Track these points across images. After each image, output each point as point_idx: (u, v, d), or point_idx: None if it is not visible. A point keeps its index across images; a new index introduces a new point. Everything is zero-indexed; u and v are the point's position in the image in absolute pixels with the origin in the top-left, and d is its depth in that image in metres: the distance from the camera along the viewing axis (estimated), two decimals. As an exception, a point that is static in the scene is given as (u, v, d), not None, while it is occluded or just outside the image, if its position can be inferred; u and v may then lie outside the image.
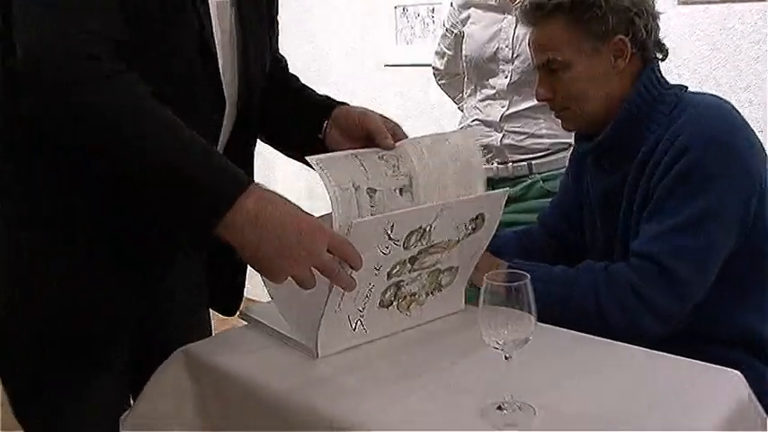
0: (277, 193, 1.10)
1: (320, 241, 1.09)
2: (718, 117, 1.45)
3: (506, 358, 1.08)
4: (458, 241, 1.33)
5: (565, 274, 1.47)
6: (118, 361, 1.31)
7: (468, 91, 2.30)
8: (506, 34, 2.15)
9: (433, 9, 3.24)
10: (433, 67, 2.50)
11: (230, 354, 1.30)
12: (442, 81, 2.51)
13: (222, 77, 1.26)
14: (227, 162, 1.09)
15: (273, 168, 3.84)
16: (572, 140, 2.11)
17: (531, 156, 2.18)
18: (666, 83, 1.53)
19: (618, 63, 1.50)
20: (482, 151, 2.16)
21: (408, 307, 1.36)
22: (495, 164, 2.21)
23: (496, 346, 1.07)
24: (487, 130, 2.21)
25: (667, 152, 1.43)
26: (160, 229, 1.18)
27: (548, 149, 2.17)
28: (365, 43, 3.48)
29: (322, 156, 1.23)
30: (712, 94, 1.56)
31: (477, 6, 2.23)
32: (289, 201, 1.11)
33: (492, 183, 2.18)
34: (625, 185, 1.52)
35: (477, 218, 1.33)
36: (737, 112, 1.48)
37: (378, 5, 3.38)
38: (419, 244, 1.27)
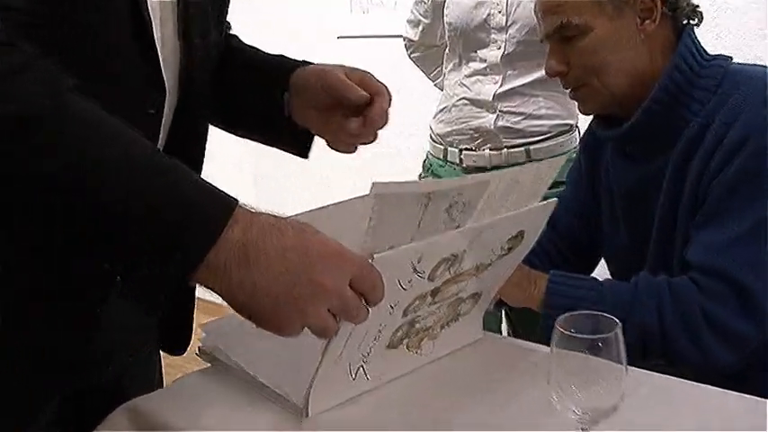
0: (270, 215, 0.78)
1: (342, 271, 0.78)
2: None
3: (583, 430, 0.79)
4: (489, 264, 1.05)
5: (620, 291, 1.21)
6: (44, 415, 1.01)
7: (451, 65, 1.99)
8: (498, -2, 1.84)
9: (393, -26, 2.91)
10: (405, 38, 2.18)
11: (188, 410, 1.03)
12: (416, 54, 2.19)
13: (160, 55, 0.93)
14: (197, 177, 0.77)
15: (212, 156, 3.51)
16: (575, 122, 1.87)
17: (528, 140, 1.90)
18: (706, 52, 1.29)
19: (645, 26, 1.25)
20: (473, 138, 1.88)
21: (419, 343, 1.09)
22: (488, 150, 1.91)
23: (574, 415, 0.79)
24: (478, 110, 1.91)
25: (721, 141, 1.18)
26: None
27: (548, 132, 1.89)
28: (316, 13, 3.13)
29: (389, 190, 0.84)
30: (764, 66, 1.30)
31: (458, -32, 1.91)
32: (289, 221, 0.79)
33: (483, 172, 1.89)
34: (663, 179, 1.27)
35: (516, 236, 1.05)
36: None
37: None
38: (446, 273, 0.99)
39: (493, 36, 1.86)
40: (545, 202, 1.07)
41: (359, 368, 1.00)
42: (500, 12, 1.83)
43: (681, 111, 1.24)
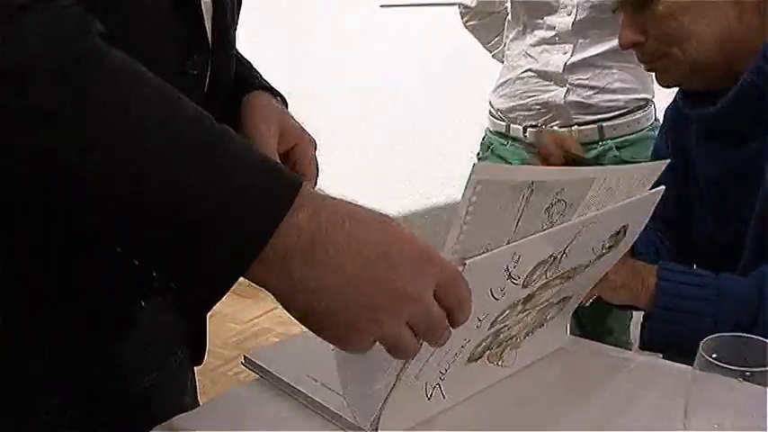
0: (344, 200, 0.63)
1: (429, 278, 0.63)
2: None
3: None
4: (587, 266, 0.90)
5: (742, 290, 1.05)
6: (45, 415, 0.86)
7: (514, 33, 1.82)
8: (570, -44, 1.67)
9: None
10: (461, 5, 2.02)
11: (233, 429, 0.90)
12: (472, 22, 2.03)
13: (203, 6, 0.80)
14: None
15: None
16: (651, 96, 1.68)
17: (601, 116, 1.73)
18: None
19: None
20: (541, 113, 1.72)
21: (501, 354, 0.95)
22: (556, 127, 1.74)
23: None
24: (545, 83, 1.74)
25: None
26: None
27: (623, 108, 1.72)
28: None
29: (493, 175, 0.69)
30: None
31: (523, -76, 1.74)
32: (369, 210, 0.64)
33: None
34: (760, 167, 1.11)
35: (619, 232, 0.90)
36: None
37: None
38: (543, 277, 0.83)
39: (562, 1, 1.68)
40: (652, 191, 0.91)
41: (435, 387, 0.86)
42: (572, -28, 1.66)
43: None
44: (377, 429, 0.82)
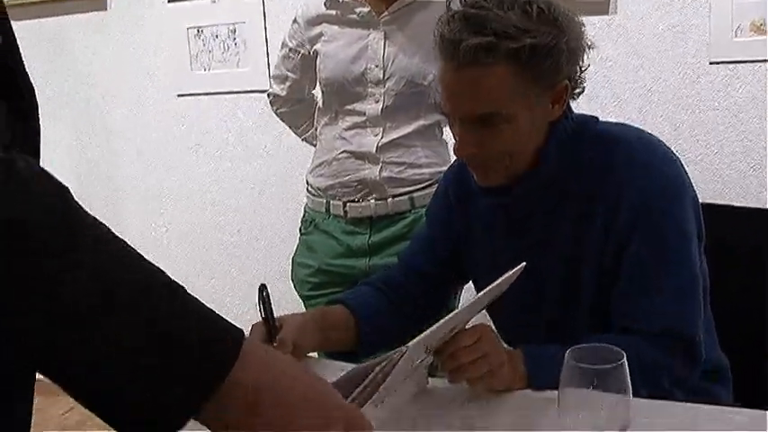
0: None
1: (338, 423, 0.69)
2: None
3: None
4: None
5: None
6: None
7: (326, 119, 2.01)
8: (374, 52, 1.89)
9: (235, 29, 2.89)
10: (271, 94, 2.16)
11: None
12: (283, 109, 2.18)
13: None
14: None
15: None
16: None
17: (412, 188, 1.95)
18: (573, 114, 1.38)
19: (555, 110, 1.31)
20: (358, 189, 1.91)
21: (383, 400, 1.10)
22: (373, 201, 1.94)
23: None
24: (360, 162, 1.94)
25: (616, 216, 1.29)
26: None
27: (428, 180, 1.95)
28: (157, 70, 3.04)
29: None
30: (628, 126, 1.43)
31: (330, 22, 1.94)
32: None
33: (371, 222, 1.93)
34: (553, 242, 1.35)
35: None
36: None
37: (169, 27, 2.96)
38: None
39: (370, 90, 1.89)
40: (514, 270, 1.14)
41: None
42: (377, 66, 1.88)
43: (564, 179, 1.32)
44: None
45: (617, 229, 1.28)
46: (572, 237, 1.32)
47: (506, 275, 1.13)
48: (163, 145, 3.09)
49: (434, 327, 1.02)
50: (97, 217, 0.63)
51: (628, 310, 1.28)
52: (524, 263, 1.16)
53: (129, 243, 0.63)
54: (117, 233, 0.63)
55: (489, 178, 1.35)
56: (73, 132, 3.22)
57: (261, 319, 1.28)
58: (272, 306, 1.29)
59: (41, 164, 0.65)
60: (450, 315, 1.06)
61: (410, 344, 0.96)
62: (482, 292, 1.11)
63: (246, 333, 0.66)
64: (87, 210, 0.62)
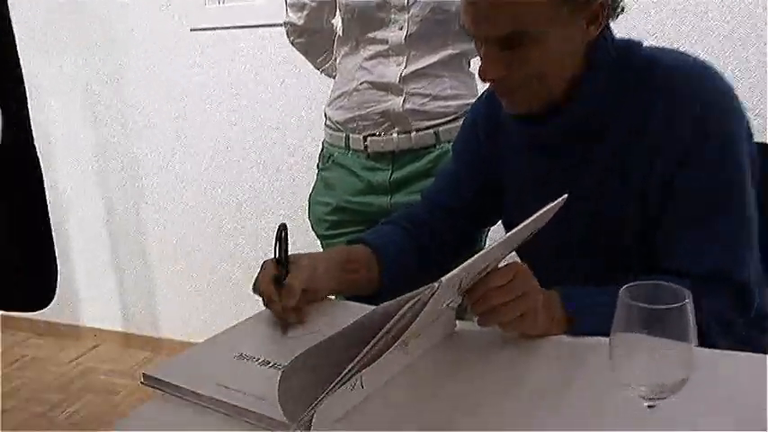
0: None
1: None
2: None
3: (650, 407, 0.79)
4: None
5: None
6: None
7: (346, 49, 1.89)
8: (398, -25, 1.76)
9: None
10: (288, 23, 2.04)
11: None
12: (300, 39, 2.06)
13: None
14: None
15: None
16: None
17: (437, 122, 1.83)
18: (618, 40, 1.25)
19: (590, 30, 1.18)
20: (379, 122, 1.81)
21: (408, 343, 1.04)
22: (395, 134, 1.83)
23: (642, 393, 0.77)
24: (382, 94, 1.82)
25: (666, 140, 1.17)
26: None
27: (455, 113, 1.83)
28: (170, 3, 2.92)
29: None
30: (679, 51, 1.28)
31: (351, -57, 1.81)
32: None
33: (393, 157, 1.82)
34: (590, 174, 1.24)
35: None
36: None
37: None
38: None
39: (393, 16, 1.77)
40: (556, 201, 1.04)
41: (357, 379, 0.94)
42: (401, -11, 1.75)
43: (607, 108, 1.21)
44: (309, 428, 0.85)
45: (666, 161, 1.16)
46: (614, 169, 1.21)
47: (546, 209, 1.02)
48: (176, 80, 2.99)
49: (466, 263, 0.91)
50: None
51: (674, 249, 1.18)
52: (566, 195, 1.05)
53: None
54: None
55: (517, 105, 1.24)
56: (84, 68, 3.13)
57: (275, 259, 1.20)
58: (289, 247, 1.20)
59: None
60: (484, 251, 0.96)
61: (442, 279, 0.86)
62: (518, 227, 1.00)
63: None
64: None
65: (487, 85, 1.29)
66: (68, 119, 3.21)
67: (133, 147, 3.13)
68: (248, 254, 2.98)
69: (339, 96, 1.90)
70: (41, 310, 1.27)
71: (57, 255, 1.29)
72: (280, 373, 0.85)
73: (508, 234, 1.00)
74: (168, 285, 3.25)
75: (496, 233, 1.68)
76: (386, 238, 1.40)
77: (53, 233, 1.31)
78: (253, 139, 2.92)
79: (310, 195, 2.01)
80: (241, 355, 1.08)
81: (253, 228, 2.99)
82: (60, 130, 3.22)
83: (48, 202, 1.31)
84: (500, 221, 1.49)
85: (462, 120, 1.55)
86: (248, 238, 3.01)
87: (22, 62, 1.24)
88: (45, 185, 1.33)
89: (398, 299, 0.84)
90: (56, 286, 1.31)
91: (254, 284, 1.20)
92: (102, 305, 3.38)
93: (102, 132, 3.16)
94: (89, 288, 3.41)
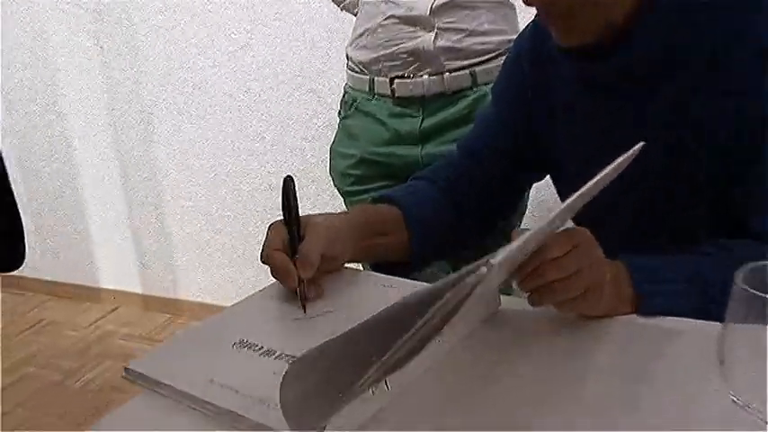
0: None
1: None
2: None
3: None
4: None
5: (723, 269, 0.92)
6: None
7: (372, -23, 1.67)
8: None
9: None
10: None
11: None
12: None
13: None
14: None
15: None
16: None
17: (473, 61, 1.61)
18: None
19: None
20: (408, 62, 1.60)
21: (441, 330, 0.82)
22: (426, 76, 1.61)
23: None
24: (411, 29, 1.60)
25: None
26: None
27: (495, 50, 1.62)
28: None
29: None
30: None
31: None
32: None
33: (424, 102, 1.61)
34: (657, 119, 1.02)
35: None
36: None
37: None
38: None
39: (423, -61, 1.55)
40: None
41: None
42: None
43: (675, 42, 0.99)
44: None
45: (746, 94, 0.94)
46: (684, 110, 1.00)
47: (621, 159, 0.80)
48: (188, 25, 2.81)
49: (525, 237, 0.71)
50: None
51: (756, 203, 0.96)
52: (642, 142, 0.83)
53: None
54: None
55: (570, 34, 1.02)
56: (94, 22, 2.98)
57: (283, 220, 1.01)
58: (299, 205, 1.00)
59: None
60: (551, 216, 0.75)
61: (494, 262, 0.65)
62: (591, 181, 0.78)
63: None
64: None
65: (531, 17, 1.10)
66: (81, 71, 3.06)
67: (150, 104, 2.98)
68: (271, 213, 2.80)
69: (362, 34, 1.68)
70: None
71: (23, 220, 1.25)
72: (285, 366, 0.68)
73: (578, 193, 0.78)
74: (185, 247, 3.12)
75: (537, 191, 1.47)
76: (416, 195, 1.20)
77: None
78: (263, 83, 2.75)
79: (331, 146, 1.81)
80: (241, 341, 0.89)
81: (275, 186, 2.82)
82: (72, 86, 3.09)
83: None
84: (547, 177, 1.28)
85: (502, 59, 1.33)
86: (271, 199, 2.84)
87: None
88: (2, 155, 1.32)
89: (436, 284, 0.65)
90: (24, 250, 1.32)
91: (262, 252, 1.01)
92: (120, 267, 3.26)
93: (117, 89, 3.03)
94: (107, 250, 3.29)
